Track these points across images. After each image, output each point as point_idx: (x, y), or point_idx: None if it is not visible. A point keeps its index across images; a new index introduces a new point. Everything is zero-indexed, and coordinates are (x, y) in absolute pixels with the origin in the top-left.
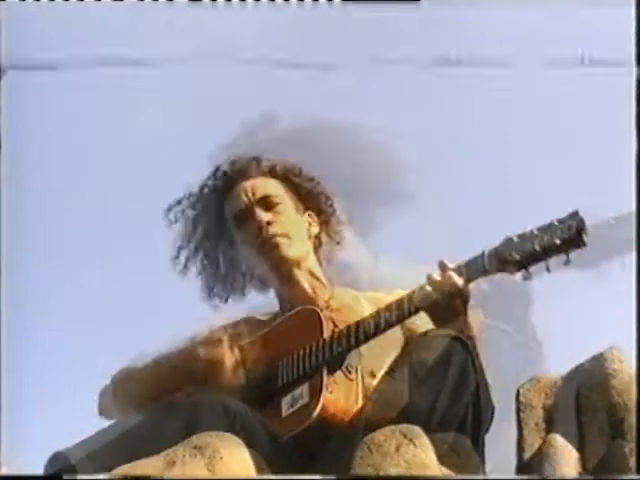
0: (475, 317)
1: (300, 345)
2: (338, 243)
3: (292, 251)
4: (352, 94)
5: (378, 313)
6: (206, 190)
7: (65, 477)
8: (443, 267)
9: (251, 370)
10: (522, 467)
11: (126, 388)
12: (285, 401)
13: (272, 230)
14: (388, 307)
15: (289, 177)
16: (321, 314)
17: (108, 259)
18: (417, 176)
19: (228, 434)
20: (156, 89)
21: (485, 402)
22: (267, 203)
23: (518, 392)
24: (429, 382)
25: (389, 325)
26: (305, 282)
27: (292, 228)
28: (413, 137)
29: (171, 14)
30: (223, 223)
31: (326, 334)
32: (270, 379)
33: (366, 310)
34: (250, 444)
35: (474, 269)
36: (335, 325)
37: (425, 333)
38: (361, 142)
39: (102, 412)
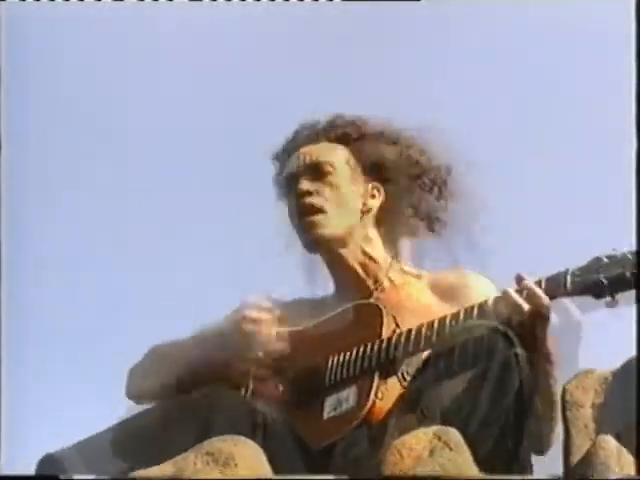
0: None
1: (355, 342)
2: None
3: (327, 229)
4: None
5: (443, 321)
6: (280, 151)
7: (63, 477)
8: (522, 280)
9: (298, 362)
10: (570, 472)
11: (157, 366)
12: (329, 402)
13: (309, 201)
14: (455, 316)
15: (365, 143)
16: (384, 312)
17: (110, 257)
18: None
19: (244, 439)
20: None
21: (530, 404)
22: (316, 171)
23: (564, 390)
24: (467, 380)
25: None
26: (354, 261)
27: (335, 201)
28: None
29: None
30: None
31: (385, 334)
32: (317, 375)
33: (424, 295)
34: (272, 452)
35: (554, 287)
36: (397, 324)
37: (465, 325)
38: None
39: (130, 394)
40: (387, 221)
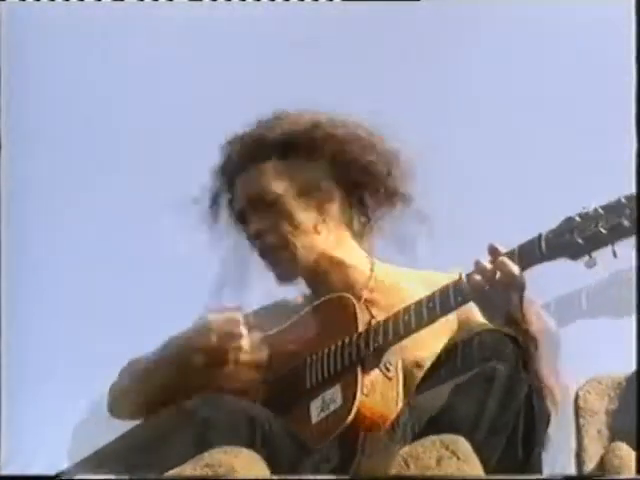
0: (534, 311)
1: (331, 339)
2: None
3: (295, 262)
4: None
5: (420, 304)
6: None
7: (63, 477)
8: (494, 252)
9: (275, 367)
10: None
11: (135, 380)
12: (315, 405)
13: (267, 241)
14: (431, 297)
15: (297, 156)
16: (356, 304)
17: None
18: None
19: (245, 450)
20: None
21: (539, 408)
22: (260, 204)
23: (577, 395)
24: (474, 385)
25: (432, 318)
26: (334, 275)
27: (292, 227)
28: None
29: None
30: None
31: (361, 327)
32: (297, 379)
33: (413, 291)
34: (273, 460)
35: (529, 254)
36: (371, 314)
37: (471, 328)
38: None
39: (112, 411)
40: (350, 217)
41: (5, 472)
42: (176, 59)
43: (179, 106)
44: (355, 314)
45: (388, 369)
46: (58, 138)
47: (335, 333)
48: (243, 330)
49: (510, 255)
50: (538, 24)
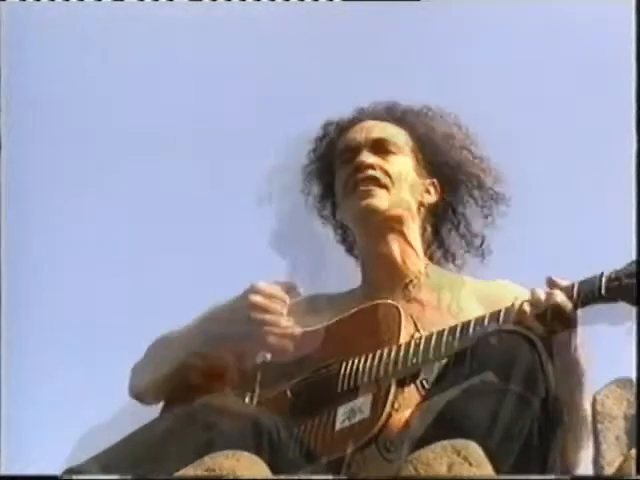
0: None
1: (371, 346)
2: (458, 230)
3: (385, 203)
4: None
5: (467, 327)
6: (330, 127)
7: (63, 477)
8: (552, 284)
9: (310, 364)
10: None
11: (159, 356)
12: (342, 411)
13: (371, 173)
14: (479, 320)
15: (429, 138)
16: (403, 314)
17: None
18: None
19: (246, 453)
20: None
21: (557, 414)
22: (380, 147)
23: (595, 399)
24: (488, 390)
25: None
26: (395, 245)
27: (397, 182)
28: None
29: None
30: (334, 160)
31: (403, 339)
32: (330, 381)
33: (462, 300)
34: (278, 467)
35: (587, 292)
36: (416, 327)
37: (485, 328)
38: None
39: (133, 392)
40: (429, 222)
41: (5, 472)
42: (177, 59)
43: (181, 106)
44: (399, 325)
45: (424, 386)
46: (58, 138)
47: (376, 341)
48: (287, 303)
49: (568, 290)
50: (538, 24)
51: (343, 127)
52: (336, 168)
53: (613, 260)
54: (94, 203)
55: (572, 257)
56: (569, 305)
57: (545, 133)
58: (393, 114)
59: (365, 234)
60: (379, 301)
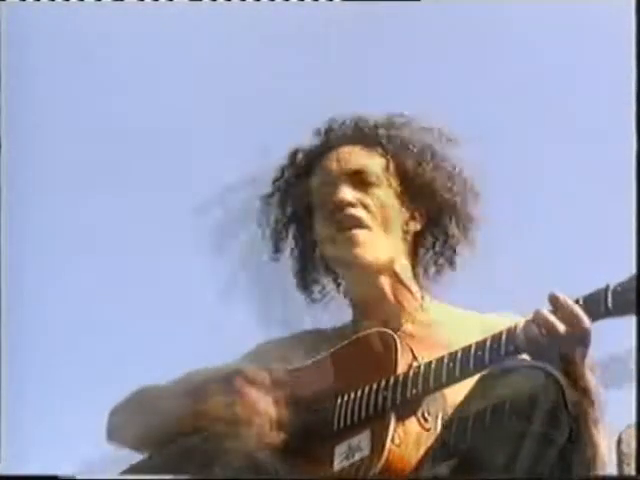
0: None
1: (366, 379)
2: (447, 258)
3: (371, 251)
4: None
5: (467, 351)
6: (299, 155)
7: (64, 477)
8: (555, 301)
9: (302, 404)
10: None
11: (142, 409)
12: (339, 451)
13: (353, 213)
14: (480, 345)
15: (410, 162)
16: (399, 343)
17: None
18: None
19: None
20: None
21: (580, 456)
22: (360, 180)
23: (620, 439)
24: (508, 428)
25: (479, 369)
26: (387, 288)
27: (382, 218)
28: None
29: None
30: (308, 194)
31: (401, 368)
32: (324, 419)
33: (462, 334)
34: None
35: (594, 308)
36: (414, 355)
37: (504, 362)
38: None
39: (111, 436)
40: (415, 250)
41: (5, 472)
42: (178, 59)
43: (183, 107)
44: (396, 354)
45: (426, 419)
46: (59, 138)
47: (371, 373)
48: (270, 385)
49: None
50: (538, 25)
51: (313, 156)
52: (313, 205)
53: (602, 275)
54: (94, 203)
55: (563, 277)
56: (586, 320)
57: (545, 134)
58: (364, 134)
59: (354, 280)
60: (373, 329)
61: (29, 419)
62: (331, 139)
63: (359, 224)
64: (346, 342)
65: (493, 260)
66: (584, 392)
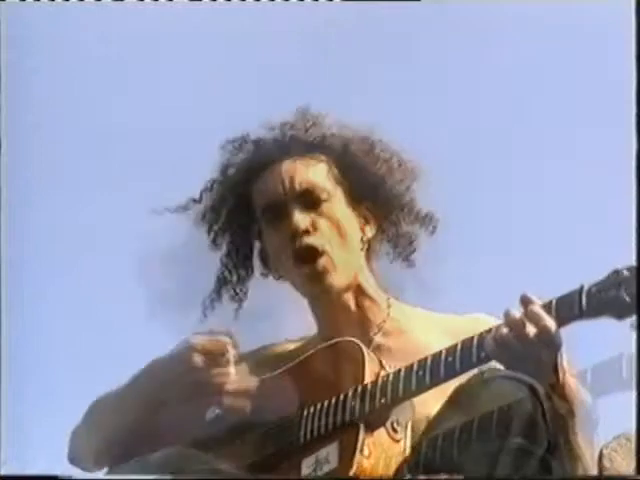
0: (569, 375)
1: (333, 389)
2: (403, 255)
3: (336, 278)
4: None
5: (437, 358)
6: (230, 170)
7: (63, 477)
8: (527, 303)
9: (267, 415)
10: None
11: (99, 423)
12: (306, 464)
13: (309, 243)
14: (450, 351)
15: (351, 158)
16: (365, 353)
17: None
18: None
19: None
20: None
21: (559, 469)
22: (309, 199)
23: (601, 454)
24: (483, 441)
25: (450, 376)
26: (352, 304)
27: (336, 238)
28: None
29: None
30: (251, 214)
31: (369, 378)
32: (290, 431)
33: (431, 339)
34: None
35: (568, 310)
36: (381, 365)
37: (481, 373)
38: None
39: (73, 459)
40: (374, 252)
41: (5, 472)
42: (178, 59)
43: (183, 107)
44: (363, 364)
45: (395, 429)
46: (59, 138)
47: (338, 383)
48: (230, 356)
49: (546, 308)
50: (538, 25)
51: (253, 170)
52: (261, 227)
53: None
54: (94, 202)
55: (539, 278)
56: (551, 322)
57: (545, 133)
58: (298, 141)
59: (318, 303)
60: (338, 339)
61: (29, 419)
62: (265, 153)
63: (317, 253)
64: (311, 352)
65: (472, 260)
66: (563, 400)
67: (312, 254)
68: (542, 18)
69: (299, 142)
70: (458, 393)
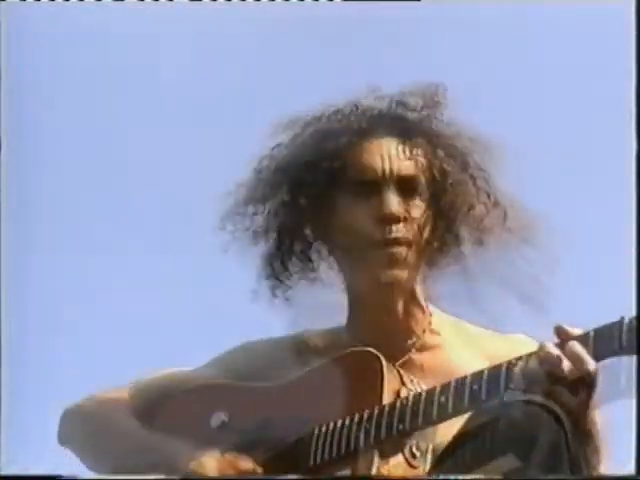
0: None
1: (348, 407)
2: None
3: (406, 271)
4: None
5: (462, 384)
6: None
7: (64, 477)
8: (563, 334)
9: (275, 432)
10: None
11: (96, 437)
12: None
13: (399, 229)
14: (476, 377)
15: (445, 162)
16: (385, 367)
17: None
18: None
19: None
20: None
21: None
22: (407, 187)
23: None
24: (505, 469)
25: (474, 405)
26: (399, 306)
27: (421, 233)
28: None
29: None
30: (335, 192)
31: (387, 397)
32: (300, 452)
33: (467, 358)
34: None
35: (607, 344)
36: (402, 381)
37: (501, 397)
38: None
39: (62, 442)
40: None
41: (5, 472)
42: (178, 59)
43: (183, 107)
44: (382, 380)
45: (414, 455)
46: (59, 138)
47: (353, 400)
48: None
49: (583, 340)
50: (538, 25)
51: (343, 142)
52: (340, 200)
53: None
54: (95, 204)
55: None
56: (593, 365)
57: (544, 134)
58: (405, 120)
59: (365, 297)
60: (354, 349)
61: (29, 419)
62: (365, 125)
63: (402, 242)
64: (326, 361)
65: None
66: (587, 436)
67: (398, 241)
68: (542, 18)
69: (405, 123)
70: (477, 416)
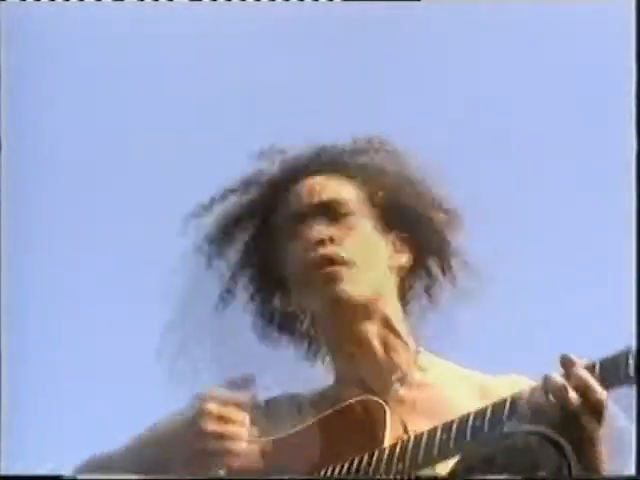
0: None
1: (349, 452)
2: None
3: (356, 287)
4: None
5: (464, 420)
6: (256, 185)
7: (65, 477)
8: (570, 364)
9: None
10: None
11: None
12: None
13: (328, 251)
14: (480, 414)
15: (381, 183)
16: (388, 416)
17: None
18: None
19: None
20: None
21: None
22: (333, 212)
23: None
24: None
25: (476, 439)
26: (374, 338)
27: (363, 253)
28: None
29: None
30: (271, 233)
31: (387, 441)
32: None
33: (461, 396)
34: None
35: (613, 374)
36: (405, 427)
37: (501, 430)
38: None
39: None
40: (411, 296)
41: (5, 472)
42: (179, 59)
43: (183, 107)
44: (384, 426)
45: None
46: (59, 138)
47: (355, 446)
48: (245, 419)
49: (589, 370)
50: (538, 25)
51: (274, 188)
52: (282, 244)
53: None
54: (95, 204)
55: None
56: (602, 393)
57: (544, 134)
58: (332, 162)
59: (335, 326)
60: (358, 398)
61: (29, 419)
62: (294, 169)
63: (334, 260)
64: (329, 412)
65: (496, 315)
66: (592, 469)
67: (329, 260)
68: (542, 18)
69: (332, 163)
70: (476, 447)
